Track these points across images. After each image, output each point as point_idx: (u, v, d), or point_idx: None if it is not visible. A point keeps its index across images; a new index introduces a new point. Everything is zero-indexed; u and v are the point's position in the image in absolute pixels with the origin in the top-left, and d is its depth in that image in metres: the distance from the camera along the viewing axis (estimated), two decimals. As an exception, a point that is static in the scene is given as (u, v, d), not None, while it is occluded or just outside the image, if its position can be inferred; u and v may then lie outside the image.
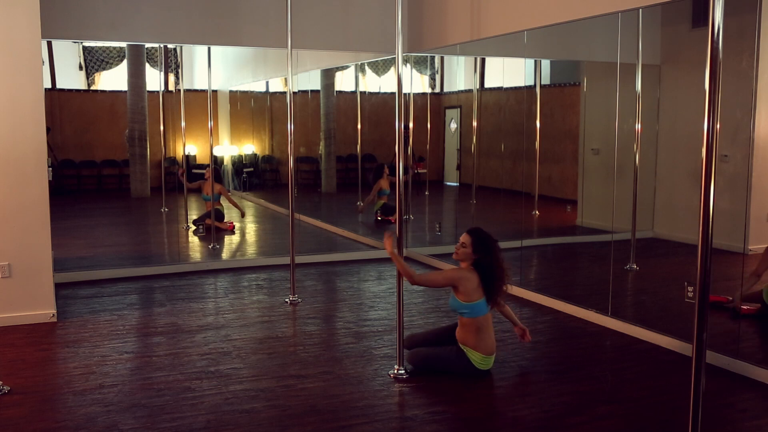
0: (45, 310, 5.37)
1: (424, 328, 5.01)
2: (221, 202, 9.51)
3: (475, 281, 4.16)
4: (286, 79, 6.82)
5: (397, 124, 4.27)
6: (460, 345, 4.25)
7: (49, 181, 5.34)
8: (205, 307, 5.88)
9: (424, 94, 11.24)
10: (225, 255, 8.37)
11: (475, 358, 4.20)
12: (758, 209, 5.72)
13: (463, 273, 4.20)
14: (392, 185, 9.58)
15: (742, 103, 5.20)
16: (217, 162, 11.25)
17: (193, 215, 9.69)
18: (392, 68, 10.75)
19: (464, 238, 4.22)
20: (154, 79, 10.96)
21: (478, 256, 4.18)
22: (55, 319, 5.37)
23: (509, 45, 6.59)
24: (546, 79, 8.93)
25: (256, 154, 12.49)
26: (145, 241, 9.50)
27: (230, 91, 12.58)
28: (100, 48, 12.24)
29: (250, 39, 7.11)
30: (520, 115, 7.99)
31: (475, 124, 8.62)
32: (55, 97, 11.88)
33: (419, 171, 9.67)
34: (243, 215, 10.03)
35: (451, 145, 11.07)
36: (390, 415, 3.74)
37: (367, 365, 4.44)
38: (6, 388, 3.96)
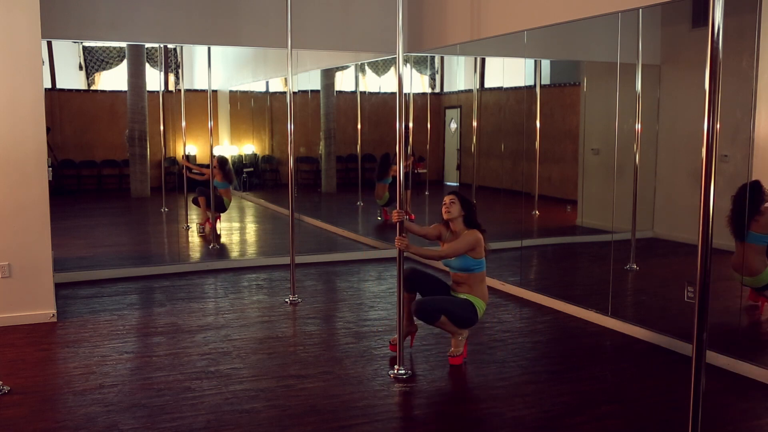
0: (45, 310, 5.37)
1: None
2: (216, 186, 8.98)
3: (482, 239, 4.47)
4: (286, 79, 6.82)
5: (398, 124, 4.28)
6: (467, 297, 4.47)
7: (49, 181, 5.34)
8: (205, 307, 5.88)
9: (424, 94, 11.23)
10: (225, 255, 8.36)
11: (481, 306, 4.50)
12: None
13: (477, 235, 4.45)
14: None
15: (742, 103, 5.19)
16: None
17: (193, 215, 9.67)
18: (392, 68, 10.74)
19: (450, 198, 4.53)
20: (154, 79, 10.94)
21: (465, 212, 4.52)
22: (55, 319, 5.37)
23: (509, 45, 6.59)
24: (546, 79, 8.92)
25: (256, 154, 12.48)
26: (145, 241, 9.50)
27: (230, 91, 12.56)
28: (100, 48, 12.22)
29: (250, 39, 7.11)
30: (520, 115, 7.98)
31: (475, 124, 8.62)
32: (55, 97, 11.85)
33: (419, 171, 9.66)
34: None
35: (451, 145, 11.07)
36: (390, 415, 3.74)
37: (367, 365, 4.44)
38: (6, 388, 3.96)
